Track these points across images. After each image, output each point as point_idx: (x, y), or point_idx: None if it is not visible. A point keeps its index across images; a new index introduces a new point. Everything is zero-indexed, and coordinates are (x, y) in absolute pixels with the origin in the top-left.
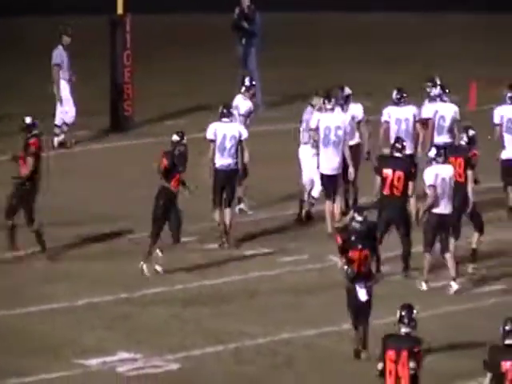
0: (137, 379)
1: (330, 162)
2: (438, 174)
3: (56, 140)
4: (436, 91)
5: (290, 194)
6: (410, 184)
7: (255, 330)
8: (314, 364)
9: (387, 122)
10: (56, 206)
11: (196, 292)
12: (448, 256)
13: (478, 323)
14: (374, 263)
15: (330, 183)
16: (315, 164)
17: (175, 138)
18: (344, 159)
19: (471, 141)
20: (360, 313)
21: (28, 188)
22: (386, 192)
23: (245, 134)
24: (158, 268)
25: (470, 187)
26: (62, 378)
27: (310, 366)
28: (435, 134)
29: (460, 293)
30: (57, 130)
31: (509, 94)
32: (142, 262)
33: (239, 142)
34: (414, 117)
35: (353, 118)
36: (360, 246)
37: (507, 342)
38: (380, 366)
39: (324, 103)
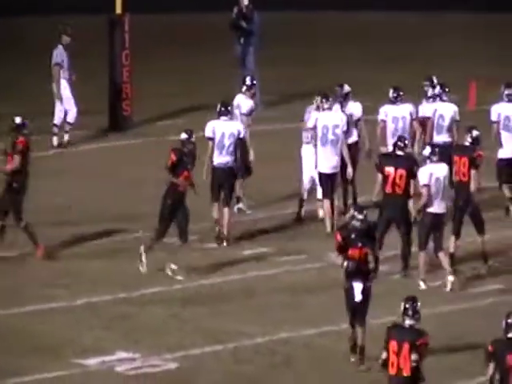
0: (135, 378)
1: (328, 160)
2: (432, 174)
3: (55, 139)
4: (434, 91)
5: (289, 193)
6: (412, 182)
7: (254, 329)
8: (313, 363)
9: (384, 121)
10: (55, 205)
11: (194, 291)
12: (441, 255)
13: (476, 323)
14: (372, 263)
15: (328, 182)
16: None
17: (183, 136)
18: (342, 158)
19: (475, 141)
20: (357, 311)
21: (16, 188)
22: (387, 190)
23: (243, 132)
24: (174, 266)
25: (473, 187)
26: (61, 377)
27: (308, 366)
28: (434, 133)
29: (456, 290)
30: (55, 130)
31: (506, 92)
32: (141, 249)
33: (238, 139)
34: (411, 115)
35: (351, 116)
36: (360, 244)
37: (511, 335)
38: (384, 355)
39: (321, 102)
